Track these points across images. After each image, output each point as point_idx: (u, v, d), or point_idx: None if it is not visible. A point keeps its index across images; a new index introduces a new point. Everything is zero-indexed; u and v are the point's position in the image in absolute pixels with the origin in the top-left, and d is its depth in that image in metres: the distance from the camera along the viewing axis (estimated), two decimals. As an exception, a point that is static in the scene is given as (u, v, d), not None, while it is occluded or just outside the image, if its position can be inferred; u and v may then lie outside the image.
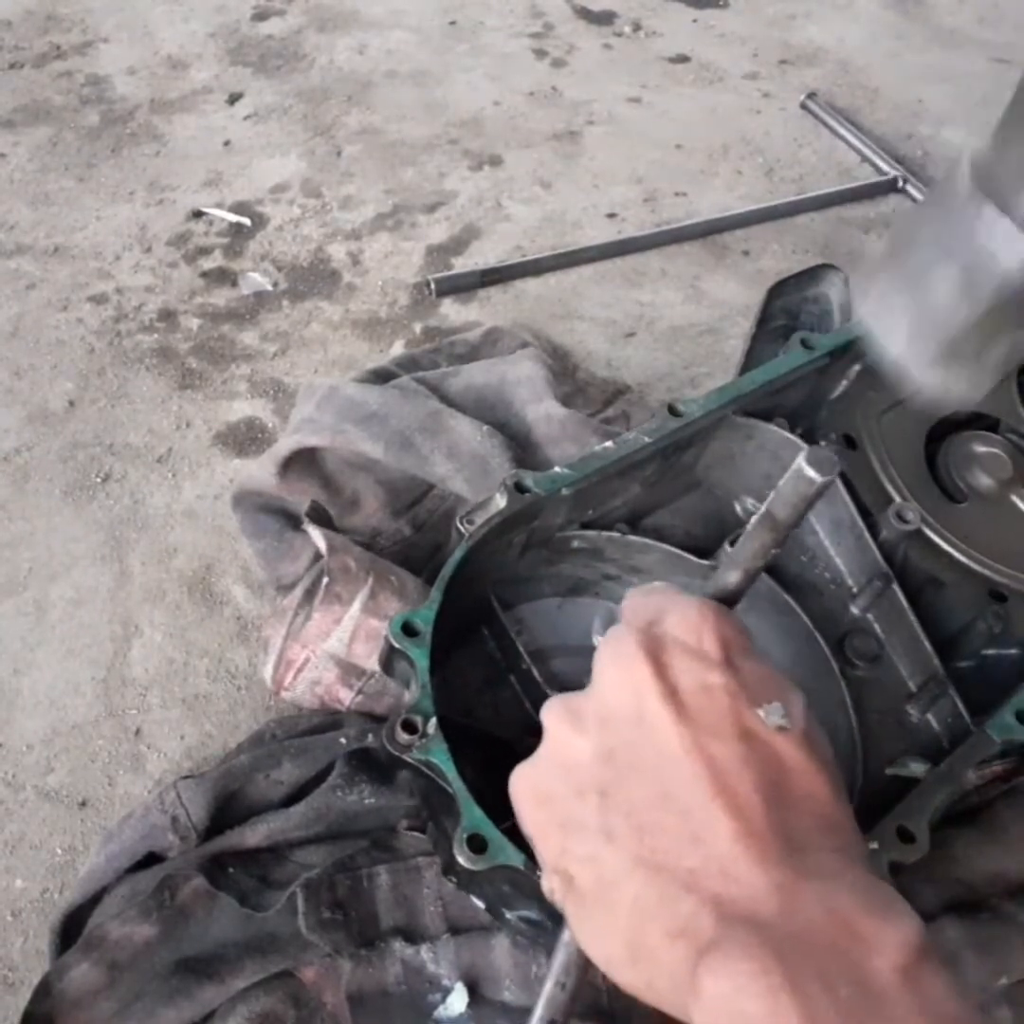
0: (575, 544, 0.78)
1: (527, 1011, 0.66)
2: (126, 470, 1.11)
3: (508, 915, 0.63)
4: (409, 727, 0.57)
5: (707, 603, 0.44)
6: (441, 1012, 0.67)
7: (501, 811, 0.47)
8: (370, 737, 0.79)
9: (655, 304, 1.32)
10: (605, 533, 0.78)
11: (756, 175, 1.55)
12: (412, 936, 0.70)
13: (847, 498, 0.78)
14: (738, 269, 1.38)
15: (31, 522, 1.06)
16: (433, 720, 0.57)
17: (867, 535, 0.77)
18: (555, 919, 0.43)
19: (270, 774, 0.78)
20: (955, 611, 0.77)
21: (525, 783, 0.44)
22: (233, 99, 1.66)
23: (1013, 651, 0.74)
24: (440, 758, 0.56)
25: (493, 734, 0.70)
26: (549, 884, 0.42)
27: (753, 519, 0.42)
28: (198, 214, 1.44)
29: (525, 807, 0.44)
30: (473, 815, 0.54)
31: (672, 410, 0.75)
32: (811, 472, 0.38)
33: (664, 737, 0.39)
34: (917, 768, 0.67)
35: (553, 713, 0.44)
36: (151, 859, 0.76)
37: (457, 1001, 0.67)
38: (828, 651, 0.75)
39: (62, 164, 1.52)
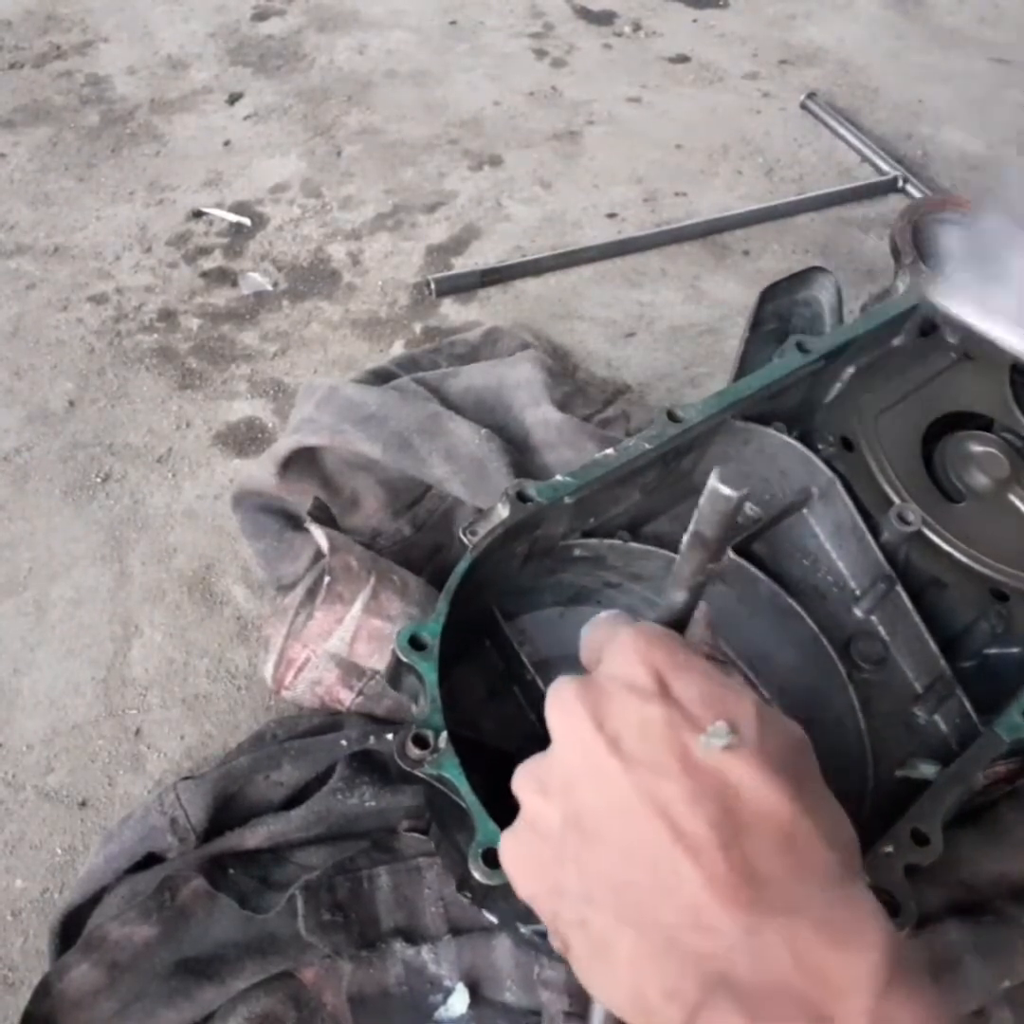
0: (577, 553, 0.78)
1: (528, 1012, 0.66)
2: (126, 470, 1.10)
3: (523, 930, 0.62)
4: (420, 742, 0.57)
5: (639, 631, 0.43)
6: (442, 1013, 0.67)
7: (509, 824, 0.47)
8: (371, 739, 0.79)
9: (655, 304, 1.32)
10: (607, 541, 0.78)
11: (756, 175, 1.55)
12: (413, 937, 0.69)
13: (848, 501, 0.78)
14: (738, 269, 1.38)
15: (31, 522, 1.06)
16: (444, 734, 0.57)
17: (869, 537, 0.77)
18: None
19: (270, 775, 0.78)
20: (957, 611, 0.77)
21: (511, 854, 0.44)
22: (233, 99, 1.66)
23: (1016, 650, 0.74)
24: (453, 772, 0.56)
25: (498, 747, 0.69)
26: (555, 944, 0.42)
27: (684, 539, 0.43)
28: (198, 214, 1.43)
29: (516, 875, 0.44)
30: (487, 829, 0.53)
31: (671, 416, 0.75)
32: (726, 489, 0.39)
33: (617, 791, 0.39)
34: (927, 770, 0.67)
35: (521, 783, 0.44)
36: (151, 860, 0.76)
37: (458, 1002, 0.67)
38: (834, 655, 0.74)
39: (62, 164, 1.52)
